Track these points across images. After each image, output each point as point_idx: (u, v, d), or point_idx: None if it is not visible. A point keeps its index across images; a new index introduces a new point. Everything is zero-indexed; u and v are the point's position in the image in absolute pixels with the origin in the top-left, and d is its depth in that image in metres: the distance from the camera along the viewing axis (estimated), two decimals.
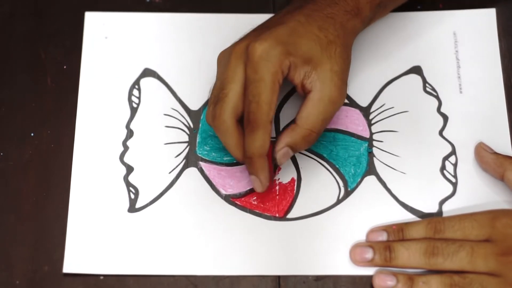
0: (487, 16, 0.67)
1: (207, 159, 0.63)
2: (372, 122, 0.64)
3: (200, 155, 0.63)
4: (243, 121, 0.56)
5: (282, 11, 0.59)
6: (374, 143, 0.63)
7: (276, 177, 0.62)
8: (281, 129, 0.64)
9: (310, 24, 0.57)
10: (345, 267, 0.59)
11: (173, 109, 0.65)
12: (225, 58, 0.58)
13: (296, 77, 0.56)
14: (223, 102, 0.56)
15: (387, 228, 0.60)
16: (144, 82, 0.66)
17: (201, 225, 0.61)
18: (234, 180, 0.62)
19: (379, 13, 0.62)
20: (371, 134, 0.64)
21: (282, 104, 0.64)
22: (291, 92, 0.65)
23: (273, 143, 0.58)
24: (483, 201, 0.61)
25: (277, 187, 0.62)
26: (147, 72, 0.66)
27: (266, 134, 0.55)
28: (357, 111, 0.64)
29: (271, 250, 0.60)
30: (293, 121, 0.57)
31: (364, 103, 0.65)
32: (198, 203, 0.61)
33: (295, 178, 0.62)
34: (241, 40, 0.57)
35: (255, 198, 0.62)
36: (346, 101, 0.64)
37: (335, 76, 0.56)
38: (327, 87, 0.56)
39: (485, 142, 0.62)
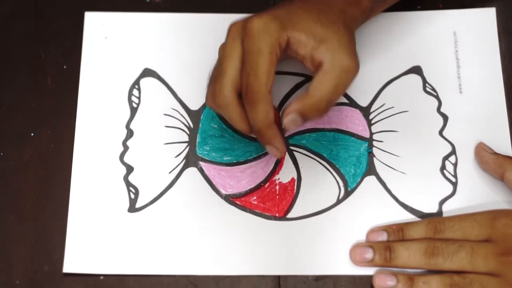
0: (487, 16, 0.67)
1: (207, 159, 0.63)
2: (372, 122, 0.64)
3: (200, 155, 0.63)
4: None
5: (282, 2, 0.58)
6: (374, 143, 0.63)
7: (276, 177, 0.62)
8: None
9: (310, 8, 0.56)
10: (345, 267, 0.59)
11: (173, 109, 0.65)
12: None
13: (301, 49, 0.55)
14: (222, 78, 0.55)
15: (387, 228, 0.60)
16: (144, 82, 0.66)
17: (201, 225, 0.61)
18: (234, 180, 0.62)
19: (379, 5, 0.62)
20: (371, 134, 0.64)
21: (282, 104, 0.64)
22: (291, 92, 0.65)
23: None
24: (483, 201, 0.61)
25: (277, 187, 0.62)
26: (147, 72, 0.66)
27: (267, 104, 0.54)
28: (357, 111, 0.64)
29: (271, 250, 0.60)
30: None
31: (364, 103, 0.65)
32: (198, 203, 0.61)
33: (295, 178, 0.62)
34: (239, 20, 0.57)
35: (255, 198, 0.62)
36: (346, 101, 0.64)
37: (344, 47, 0.55)
38: (337, 56, 0.54)
39: (485, 142, 0.62)
